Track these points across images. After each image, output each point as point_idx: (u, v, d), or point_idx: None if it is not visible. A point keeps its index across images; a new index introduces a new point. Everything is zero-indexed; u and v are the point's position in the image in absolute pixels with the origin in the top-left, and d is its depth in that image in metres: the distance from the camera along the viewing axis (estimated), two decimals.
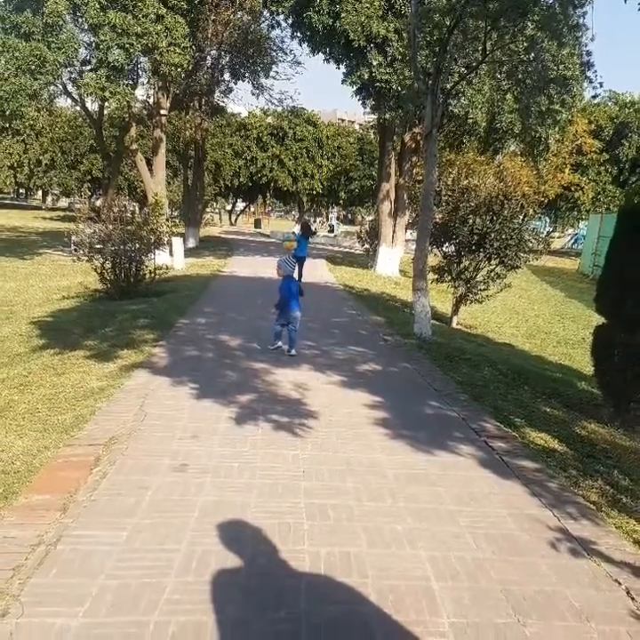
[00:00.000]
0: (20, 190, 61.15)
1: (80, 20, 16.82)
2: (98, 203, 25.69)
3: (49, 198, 58.53)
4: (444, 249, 12.55)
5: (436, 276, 12.56)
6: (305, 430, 5.01)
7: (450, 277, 12.61)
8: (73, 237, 13.32)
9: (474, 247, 11.89)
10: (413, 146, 20.43)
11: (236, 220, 58.44)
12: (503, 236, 11.48)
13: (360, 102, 18.97)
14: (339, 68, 17.96)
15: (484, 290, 12.51)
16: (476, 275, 12.38)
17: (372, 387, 6.44)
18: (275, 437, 4.82)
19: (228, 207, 61.10)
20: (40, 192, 58.11)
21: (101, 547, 3.12)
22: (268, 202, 61.00)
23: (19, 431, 4.72)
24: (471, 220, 11.50)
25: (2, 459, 4.20)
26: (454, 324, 12.90)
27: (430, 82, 9.47)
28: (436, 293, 14.66)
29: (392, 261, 20.62)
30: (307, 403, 5.74)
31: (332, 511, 3.68)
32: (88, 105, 22.10)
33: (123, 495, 3.66)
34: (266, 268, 17.06)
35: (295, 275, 8.33)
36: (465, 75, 11.54)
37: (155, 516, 3.46)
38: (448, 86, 10.90)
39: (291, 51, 22.80)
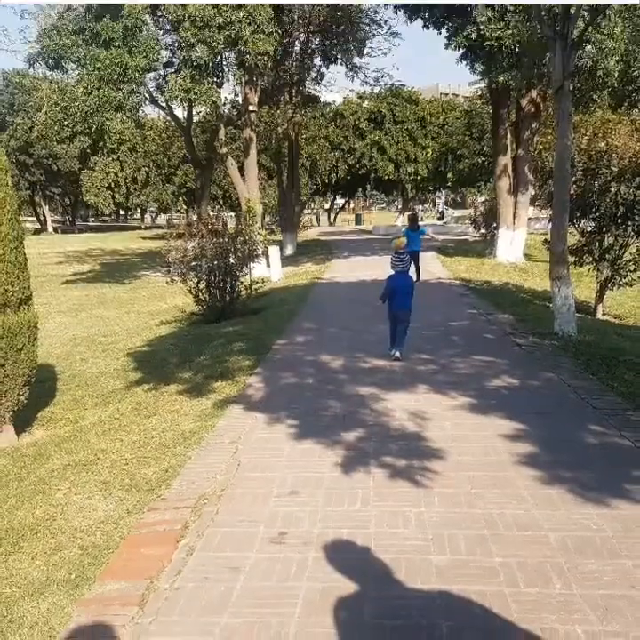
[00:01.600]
0: (120, 211, 65.35)
1: (160, 20, 17.42)
2: (194, 216, 26.65)
3: (147, 217, 62.16)
4: (580, 225, 11.79)
5: (575, 259, 11.66)
6: (429, 477, 4.36)
7: (591, 259, 11.76)
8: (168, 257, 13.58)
9: (619, 220, 11.06)
10: (533, 111, 19.22)
11: (334, 218, 58.58)
12: None
13: (468, 66, 18.02)
14: (440, 33, 17.34)
15: (634, 271, 11.57)
16: (623, 253, 11.51)
17: (509, 409, 5.65)
18: (391, 489, 4.18)
19: (326, 206, 61.46)
20: (139, 211, 61.70)
21: None
22: (368, 194, 60.72)
23: (104, 490, 4.63)
24: (614, 189, 10.67)
25: (82, 528, 4.09)
26: (600, 315, 11.94)
27: (558, 26, 8.55)
28: (572, 278, 13.62)
29: (515, 245, 19.44)
30: (428, 437, 5.10)
31: (478, 604, 2.92)
32: (176, 112, 22.72)
33: (211, 580, 3.30)
34: (368, 269, 16.66)
35: (411, 272, 8.21)
36: (597, 15, 10.37)
37: (248, 612, 3.04)
38: (575, 34, 10.13)
39: (385, 21, 22.42)
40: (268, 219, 35.52)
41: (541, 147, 14.91)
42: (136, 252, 33.05)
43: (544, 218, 25.29)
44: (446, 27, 17.00)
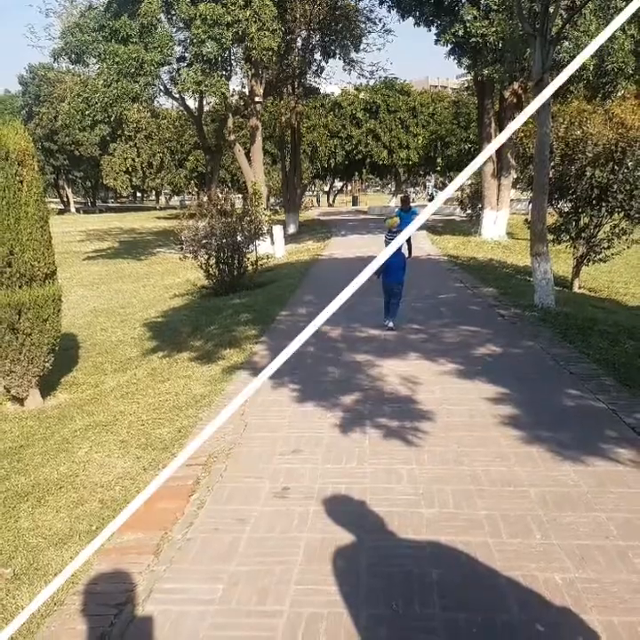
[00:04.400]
0: (137, 193, 65.04)
1: (173, 18, 17.36)
2: (205, 198, 26.47)
3: (162, 198, 61.86)
4: (558, 206, 11.63)
5: (553, 237, 11.52)
6: (419, 437, 4.33)
7: (568, 237, 11.63)
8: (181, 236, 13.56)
9: (594, 202, 10.90)
10: (514, 101, 18.98)
11: (333, 200, 58.56)
12: (628, 187, 10.41)
13: (455, 61, 18.07)
14: (430, 31, 17.34)
15: (608, 248, 11.42)
16: (598, 232, 11.36)
17: (493, 375, 5.59)
18: (385, 447, 4.20)
19: (326, 188, 61.24)
20: (154, 193, 61.46)
21: (194, 606, 2.70)
22: (363, 178, 60.40)
23: (122, 449, 4.61)
24: (589, 173, 10.52)
25: (102, 484, 4.06)
26: (576, 289, 11.83)
27: (537, 23, 8.41)
28: (551, 255, 13.52)
29: (498, 224, 19.35)
30: (418, 400, 5.06)
31: (464, 553, 2.92)
32: (188, 103, 22.72)
33: (220, 531, 3.28)
34: (364, 246, 16.59)
35: (403, 249, 8.14)
36: (573, 14, 10.52)
37: (254, 561, 3.01)
38: (553, 31, 9.92)
39: (379, 19, 22.05)
40: (272, 200, 35.27)
41: (522, 134, 14.66)
42: (151, 230, 32.83)
43: (525, 199, 25.10)
44: (436, 24, 16.94)
